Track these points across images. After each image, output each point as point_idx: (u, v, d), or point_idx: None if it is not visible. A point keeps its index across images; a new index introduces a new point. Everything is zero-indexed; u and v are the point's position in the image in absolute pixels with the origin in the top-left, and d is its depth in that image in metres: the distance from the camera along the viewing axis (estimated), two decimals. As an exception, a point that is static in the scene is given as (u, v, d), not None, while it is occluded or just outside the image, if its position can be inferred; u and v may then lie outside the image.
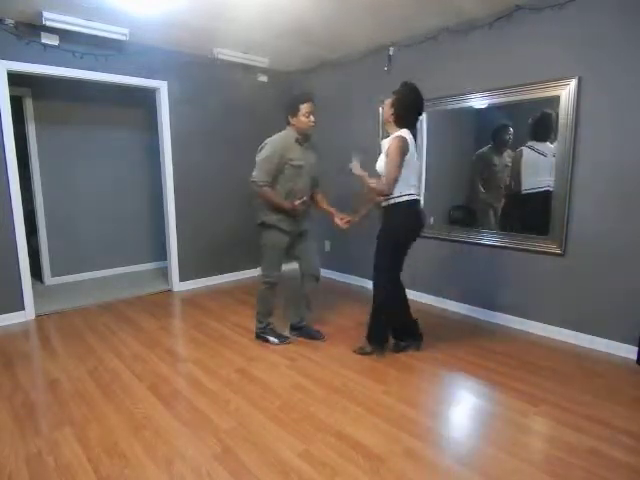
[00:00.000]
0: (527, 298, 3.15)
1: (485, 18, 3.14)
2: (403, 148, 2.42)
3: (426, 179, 3.72)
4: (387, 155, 2.46)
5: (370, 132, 4.12)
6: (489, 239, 3.32)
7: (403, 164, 2.45)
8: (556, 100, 2.83)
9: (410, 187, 2.53)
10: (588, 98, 2.72)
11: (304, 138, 2.78)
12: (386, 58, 3.86)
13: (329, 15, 3.12)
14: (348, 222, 2.86)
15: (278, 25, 3.36)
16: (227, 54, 4.05)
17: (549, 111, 2.89)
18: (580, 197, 2.83)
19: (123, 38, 3.42)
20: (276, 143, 2.72)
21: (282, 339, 2.98)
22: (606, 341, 2.79)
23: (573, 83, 2.74)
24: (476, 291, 3.47)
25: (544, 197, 2.98)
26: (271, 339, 2.98)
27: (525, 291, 3.16)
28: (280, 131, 2.83)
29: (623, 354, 2.71)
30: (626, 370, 2.56)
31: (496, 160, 3.26)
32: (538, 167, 3.01)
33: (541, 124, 2.96)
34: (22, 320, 3.47)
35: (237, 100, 4.57)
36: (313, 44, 3.86)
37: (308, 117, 2.72)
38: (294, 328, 3.10)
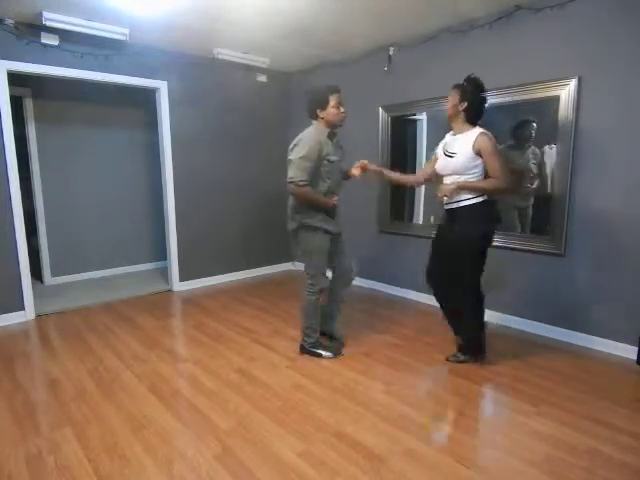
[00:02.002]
0: (527, 298, 3.15)
1: (485, 18, 3.14)
2: (495, 142, 2.34)
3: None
4: (481, 154, 2.32)
5: (369, 132, 4.12)
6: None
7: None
8: (556, 100, 2.83)
9: None
10: (588, 98, 2.72)
11: (333, 133, 2.65)
12: (386, 58, 3.86)
13: (329, 16, 3.12)
14: (363, 168, 2.76)
15: (278, 26, 3.36)
16: (227, 54, 4.04)
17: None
18: (580, 197, 2.83)
19: (123, 38, 3.42)
20: (313, 139, 2.52)
21: (336, 353, 2.76)
22: (606, 341, 2.79)
23: (573, 83, 2.74)
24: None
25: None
26: (324, 353, 2.74)
27: (525, 291, 3.16)
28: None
29: (623, 354, 2.70)
30: (626, 370, 2.56)
31: (519, 158, 3.11)
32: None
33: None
34: (22, 320, 3.47)
35: (237, 100, 4.56)
36: (313, 45, 3.86)
37: (338, 108, 2.56)
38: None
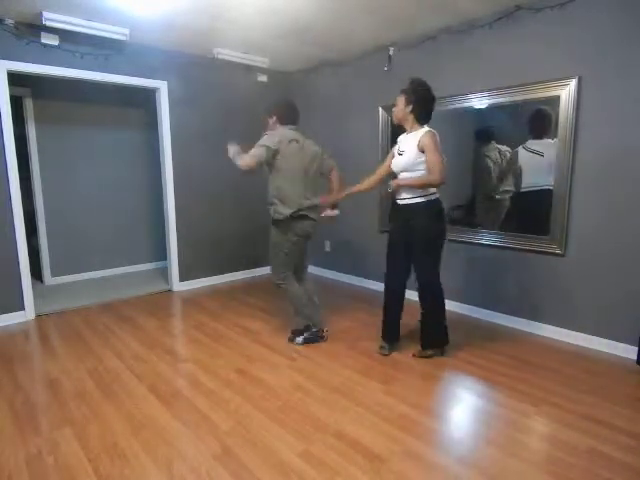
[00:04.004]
0: (527, 298, 3.15)
1: (485, 18, 3.14)
2: (438, 141, 2.46)
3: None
4: (424, 151, 2.45)
5: (369, 132, 4.12)
6: (489, 239, 3.32)
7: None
8: (556, 100, 2.83)
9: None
10: (588, 98, 2.72)
11: None
12: (386, 58, 3.86)
13: (329, 15, 3.12)
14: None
15: (278, 26, 3.36)
16: (227, 54, 4.04)
17: (544, 107, 2.92)
18: (580, 197, 2.83)
19: (123, 38, 3.42)
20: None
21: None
22: (606, 341, 2.79)
23: (573, 83, 2.74)
24: (476, 291, 3.47)
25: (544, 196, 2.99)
26: (297, 339, 2.98)
27: (525, 291, 3.16)
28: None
29: (623, 354, 2.71)
30: (626, 370, 2.56)
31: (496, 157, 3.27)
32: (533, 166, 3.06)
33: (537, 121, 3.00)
34: (22, 320, 3.47)
35: (237, 100, 4.57)
36: (313, 44, 3.86)
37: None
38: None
